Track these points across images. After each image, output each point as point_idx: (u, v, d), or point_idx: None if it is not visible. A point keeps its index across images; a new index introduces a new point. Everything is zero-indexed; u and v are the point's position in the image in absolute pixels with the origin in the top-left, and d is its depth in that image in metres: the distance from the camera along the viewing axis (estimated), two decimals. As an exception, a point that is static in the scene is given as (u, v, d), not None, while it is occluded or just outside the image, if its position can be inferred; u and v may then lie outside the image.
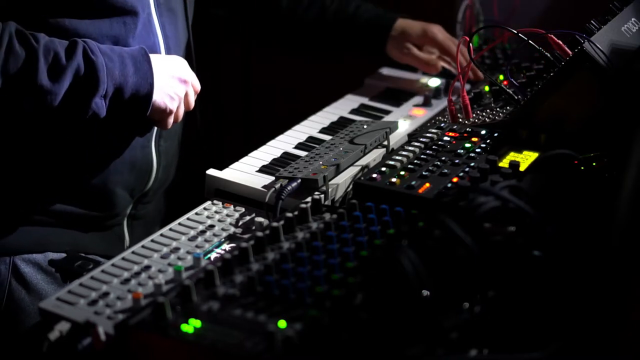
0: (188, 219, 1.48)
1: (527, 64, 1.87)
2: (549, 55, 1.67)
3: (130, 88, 1.54)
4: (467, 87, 1.92)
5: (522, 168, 1.46)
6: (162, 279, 1.29)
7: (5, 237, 1.65)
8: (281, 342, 1.06)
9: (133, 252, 1.37)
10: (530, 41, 1.67)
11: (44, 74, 1.45)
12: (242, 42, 2.86)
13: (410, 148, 1.59)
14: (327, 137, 1.80)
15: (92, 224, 1.73)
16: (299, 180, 1.52)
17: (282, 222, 1.33)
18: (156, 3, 1.69)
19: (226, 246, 1.41)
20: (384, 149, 1.72)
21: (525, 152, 1.55)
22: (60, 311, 1.22)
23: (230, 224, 1.48)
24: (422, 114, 1.93)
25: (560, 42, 1.65)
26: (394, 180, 1.46)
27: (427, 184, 1.45)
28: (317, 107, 1.97)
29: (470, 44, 1.74)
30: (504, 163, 1.50)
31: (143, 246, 1.39)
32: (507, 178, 1.42)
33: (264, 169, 1.65)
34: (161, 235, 1.43)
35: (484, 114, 1.75)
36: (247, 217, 1.50)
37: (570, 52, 1.62)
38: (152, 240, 1.41)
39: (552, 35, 1.66)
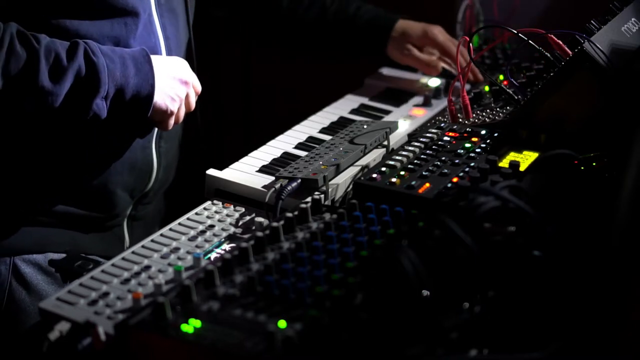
0: (188, 219, 1.48)
1: (527, 64, 1.87)
2: (549, 55, 1.67)
3: (131, 89, 1.54)
4: (467, 87, 1.92)
5: (522, 168, 1.46)
6: (162, 279, 1.29)
7: (5, 237, 1.65)
8: (281, 342, 1.06)
9: (133, 252, 1.37)
10: (530, 41, 1.67)
11: (45, 75, 1.45)
12: (242, 42, 2.86)
13: (410, 148, 1.59)
14: (327, 137, 1.80)
15: (93, 225, 1.73)
16: (299, 180, 1.52)
17: (282, 222, 1.33)
18: (157, 4, 1.69)
19: (226, 246, 1.41)
20: (384, 149, 1.72)
21: (525, 152, 1.55)
22: (60, 311, 1.22)
23: (230, 224, 1.48)
24: (422, 114, 1.93)
25: (560, 42, 1.65)
26: (394, 180, 1.46)
27: (427, 184, 1.45)
28: (317, 107, 1.97)
29: (470, 44, 1.74)
30: (504, 163, 1.50)
31: (143, 246, 1.39)
32: (507, 178, 1.42)
33: (264, 169, 1.65)
34: (161, 235, 1.43)
35: (484, 114, 1.75)
36: (247, 217, 1.50)
37: (570, 52, 1.62)
38: (152, 240, 1.41)
39: (552, 35, 1.66)
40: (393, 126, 1.78)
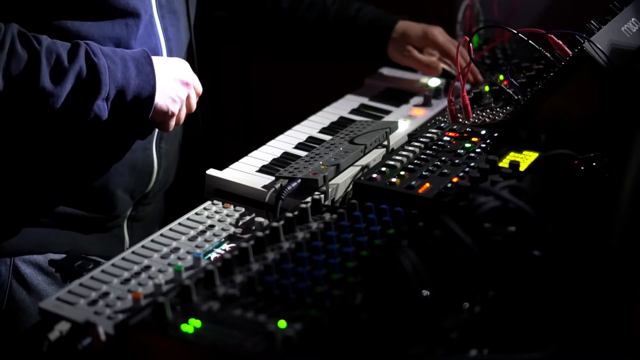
0: (188, 219, 1.48)
1: (527, 64, 1.87)
2: (549, 55, 1.67)
3: (132, 90, 1.54)
4: (467, 87, 1.92)
5: (522, 168, 1.46)
6: (162, 279, 1.29)
7: (6, 238, 1.65)
8: (281, 342, 1.06)
9: (133, 252, 1.37)
10: (530, 41, 1.67)
11: (46, 76, 1.45)
12: (242, 42, 2.86)
13: (410, 148, 1.59)
14: (327, 137, 1.80)
15: (93, 226, 1.73)
16: (299, 180, 1.52)
17: (282, 222, 1.33)
18: (158, 5, 1.69)
19: (226, 246, 1.41)
20: (384, 149, 1.72)
21: (525, 152, 1.55)
22: (60, 311, 1.22)
23: (230, 224, 1.48)
24: (422, 114, 1.93)
25: (560, 42, 1.65)
26: (394, 180, 1.46)
27: (427, 184, 1.45)
28: (317, 107, 1.97)
29: (470, 44, 1.74)
30: (504, 163, 1.50)
31: (143, 246, 1.39)
32: (507, 178, 1.42)
33: (264, 169, 1.65)
34: (161, 235, 1.43)
35: (484, 114, 1.75)
36: (247, 217, 1.50)
37: (570, 52, 1.62)
38: (152, 240, 1.41)
39: (552, 35, 1.66)
40: (393, 126, 1.78)
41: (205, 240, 1.42)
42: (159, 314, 1.13)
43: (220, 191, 1.59)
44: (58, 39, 1.50)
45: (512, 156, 1.54)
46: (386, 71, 2.18)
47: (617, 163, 1.41)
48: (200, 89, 1.69)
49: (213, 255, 1.38)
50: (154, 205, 1.88)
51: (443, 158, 1.54)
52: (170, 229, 1.45)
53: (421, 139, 1.63)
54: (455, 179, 1.46)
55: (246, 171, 1.63)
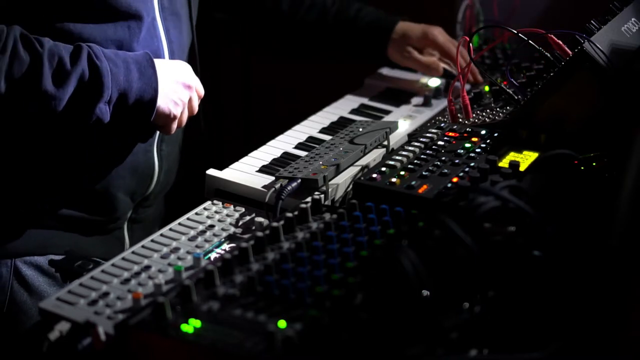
0: (188, 219, 1.48)
1: (527, 64, 1.87)
2: (549, 55, 1.67)
3: (134, 93, 1.54)
4: (467, 87, 1.92)
5: (522, 168, 1.46)
6: (162, 279, 1.29)
7: (7, 239, 1.65)
8: (281, 342, 1.06)
9: (133, 252, 1.37)
10: (530, 41, 1.67)
11: (48, 79, 1.45)
12: (242, 42, 2.86)
13: (410, 148, 1.59)
14: (327, 137, 1.80)
15: (94, 228, 1.73)
16: (299, 180, 1.52)
17: (282, 222, 1.33)
18: (160, 7, 1.68)
19: (226, 246, 1.41)
20: (384, 149, 1.72)
21: (525, 152, 1.55)
22: (60, 311, 1.22)
23: (230, 224, 1.48)
24: (422, 114, 1.93)
25: (560, 42, 1.65)
26: (394, 180, 1.46)
27: (427, 184, 1.45)
28: (317, 107, 1.97)
29: (470, 44, 1.74)
30: (504, 163, 1.50)
31: (143, 246, 1.39)
32: (507, 178, 1.42)
33: (264, 169, 1.65)
34: (161, 235, 1.43)
35: (484, 114, 1.75)
36: (247, 217, 1.50)
37: (570, 52, 1.62)
38: (152, 240, 1.41)
39: (552, 35, 1.66)
40: (393, 126, 1.78)
41: (205, 240, 1.42)
42: (159, 314, 1.13)
43: (220, 191, 1.59)
44: (60, 41, 1.50)
45: (512, 156, 1.54)
46: (386, 71, 2.18)
47: (617, 163, 1.41)
48: (202, 92, 1.68)
49: (213, 255, 1.38)
50: (155, 207, 1.88)
51: (443, 158, 1.54)
52: (170, 229, 1.45)
53: (421, 139, 1.63)
54: (455, 179, 1.46)
55: (246, 171, 1.63)
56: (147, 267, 1.33)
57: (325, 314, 1.12)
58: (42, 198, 1.65)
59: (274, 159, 1.70)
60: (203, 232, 1.44)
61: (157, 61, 1.58)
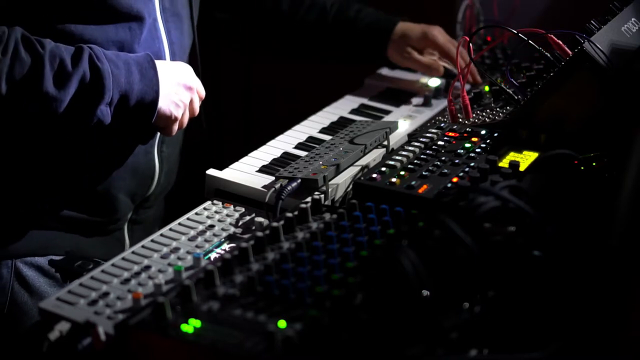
0: (188, 219, 1.48)
1: (527, 64, 1.87)
2: (549, 55, 1.67)
3: (135, 95, 1.53)
4: (467, 87, 1.92)
5: (522, 168, 1.46)
6: (162, 279, 1.29)
7: (7, 240, 1.65)
8: (281, 342, 1.06)
9: (133, 252, 1.37)
10: (530, 41, 1.67)
11: (49, 80, 1.45)
12: (242, 43, 2.86)
13: (410, 148, 1.59)
14: (327, 137, 1.80)
15: (94, 229, 1.73)
16: (299, 180, 1.52)
17: (282, 222, 1.33)
18: (162, 8, 1.68)
19: (226, 246, 1.41)
20: (384, 149, 1.72)
21: (525, 152, 1.55)
22: (60, 311, 1.22)
23: (230, 224, 1.48)
24: (422, 114, 1.93)
25: (560, 42, 1.65)
26: (394, 180, 1.46)
27: (427, 184, 1.45)
28: (317, 107, 1.97)
29: (471, 44, 1.74)
30: (504, 163, 1.50)
31: (143, 246, 1.39)
32: (507, 178, 1.42)
33: (264, 169, 1.65)
34: (161, 235, 1.43)
35: (484, 114, 1.75)
36: (247, 217, 1.50)
37: (570, 52, 1.62)
38: (152, 240, 1.41)
39: (552, 35, 1.66)
40: (393, 126, 1.78)
41: (205, 240, 1.42)
42: (159, 314, 1.13)
43: (220, 191, 1.59)
44: (61, 42, 1.50)
45: (512, 156, 1.54)
46: (386, 71, 2.18)
47: (617, 163, 1.41)
48: (203, 93, 1.68)
49: (213, 255, 1.38)
50: (155, 208, 1.88)
51: (443, 158, 1.54)
52: (170, 229, 1.45)
53: (421, 139, 1.63)
54: (455, 179, 1.46)
55: (246, 171, 1.63)
56: (147, 267, 1.33)
57: (325, 314, 1.12)
58: (43, 198, 1.65)
59: (274, 159, 1.70)
60: (203, 232, 1.44)
61: (158, 63, 1.58)
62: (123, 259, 1.35)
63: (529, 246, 1.19)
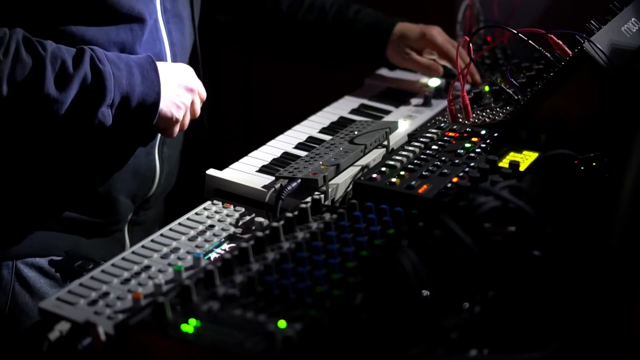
0: (188, 219, 1.48)
1: (527, 64, 1.87)
2: (549, 55, 1.67)
3: (137, 97, 1.53)
4: (467, 87, 1.92)
5: (522, 168, 1.46)
6: (162, 279, 1.29)
7: (8, 241, 1.65)
8: (281, 342, 1.06)
9: (133, 252, 1.37)
10: (530, 41, 1.67)
11: (50, 82, 1.45)
12: (242, 43, 2.85)
13: (410, 148, 1.59)
14: (327, 137, 1.80)
15: (95, 230, 1.73)
16: (299, 180, 1.52)
17: (282, 222, 1.33)
18: (163, 9, 1.68)
19: (226, 246, 1.41)
20: (384, 149, 1.72)
21: (525, 152, 1.55)
22: (60, 311, 1.22)
23: (230, 224, 1.48)
24: (422, 114, 1.93)
25: (560, 42, 1.65)
26: (394, 180, 1.46)
27: (427, 184, 1.45)
28: (317, 107, 1.97)
29: (470, 44, 1.74)
30: (504, 163, 1.50)
31: (143, 246, 1.39)
32: (507, 178, 1.42)
33: (264, 169, 1.65)
34: (161, 235, 1.43)
35: (484, 114, 1.75)
36: (247, 217, 1.50)
37: (570, 52, 1.62)
38: (152, 240, 1.41)
39: (552, 35, 1.66)
40: (393, 126, 1.78)
41: (205, 240, 1.42)
42: (159, 314, 1.13)
43: (220, 191, 1.59)
44: (63, 43, 1.50)
45: (512, 156, 1.54)
46: (386, 71, 2.18)
47: (617, 163, 1.41)
48: (204, 95, 1.68)
49: (213, 255, 1.38)
50: (155, 209, 1.88)
51: (443, 158, 1.54)
52: (170, 229, 1.45)
53: (421, 139, 1.63)
54: (455, 179, 1.46)
55: (246, 171, 1.63)
56: (147, 267, 1.33)
57: (325, 314, 1.12)
58: (43, 199, 1.65)
59: (274, 159, 1.70)
60: (203, 232, 1.44)
61: (159, 64, 1.58)
62: (123, 259, 1.35)
63: (529, 246, 1.19)
